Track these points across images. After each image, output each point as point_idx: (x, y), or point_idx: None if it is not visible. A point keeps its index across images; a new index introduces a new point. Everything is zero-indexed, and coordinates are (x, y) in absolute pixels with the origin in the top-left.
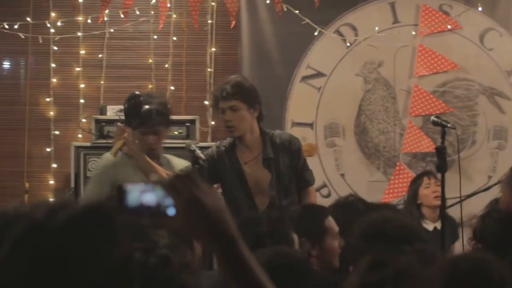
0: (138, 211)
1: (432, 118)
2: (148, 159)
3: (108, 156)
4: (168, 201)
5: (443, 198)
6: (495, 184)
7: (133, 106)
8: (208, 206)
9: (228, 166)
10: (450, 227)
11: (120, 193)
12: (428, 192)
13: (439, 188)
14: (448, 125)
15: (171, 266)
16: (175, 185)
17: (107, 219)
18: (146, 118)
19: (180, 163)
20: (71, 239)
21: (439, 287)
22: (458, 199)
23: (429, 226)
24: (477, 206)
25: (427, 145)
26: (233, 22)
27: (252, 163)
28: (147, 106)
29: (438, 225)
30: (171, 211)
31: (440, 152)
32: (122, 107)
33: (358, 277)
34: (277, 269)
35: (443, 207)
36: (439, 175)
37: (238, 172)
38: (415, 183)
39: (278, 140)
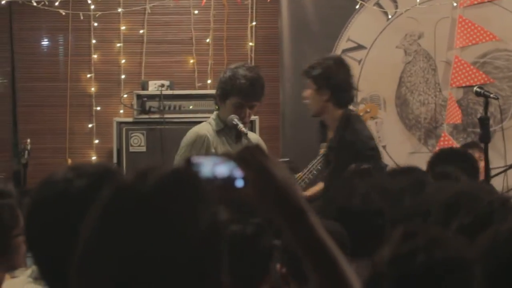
0: (209, 183)
1: (475, 88)
2: None
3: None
4: (238, 173)
5: (487, 168)
6: None
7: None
8: (278, 178)
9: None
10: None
11: (190, 166)
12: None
13: (482, 163)
14: (491, 95)
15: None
16: (245, 157)
17: (195, 182)
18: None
19: (254, 137)
20: (162, 202)
21: (481, 256)
22: (501, 169)
23: None
24: None
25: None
26: None
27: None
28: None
29: None
30: (240, 183)
31: (484, 122)
32: (163, 82)
33: (389, 250)
34: None
35: (487, 176)
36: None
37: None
38: None
39: (348, 136)
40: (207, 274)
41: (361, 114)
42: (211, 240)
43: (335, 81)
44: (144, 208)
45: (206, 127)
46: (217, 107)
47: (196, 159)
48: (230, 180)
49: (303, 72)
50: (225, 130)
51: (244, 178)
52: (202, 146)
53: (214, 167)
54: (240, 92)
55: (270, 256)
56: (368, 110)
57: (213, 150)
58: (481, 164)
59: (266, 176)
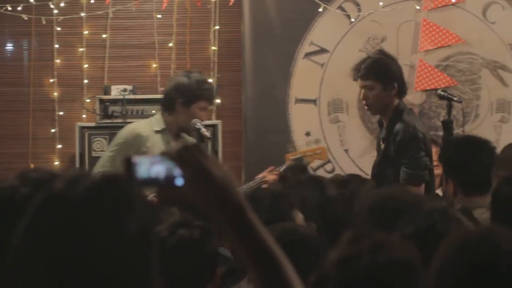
0: (147, 182)
1: (439, 92)
2: None
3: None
4: (177, 172)
5: None
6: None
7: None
8: (216, 176)
9: (377, 138)
10: None
11: (128, 165)
12: None
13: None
14: (455, 98)
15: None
16: (183, 156)
17: (125, 189)
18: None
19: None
20: (91, 209)
21: (447, 261)
22: None
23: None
24: None
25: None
26: (232, 0)
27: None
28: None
29: (439, 192)
30: (179, 182)
31: (447, 125)
32: (125, 86)
33: (335, 252)
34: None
35: None
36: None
37: (378, 145)
38: None
39: (396, 127)
40: (138, 280)
41: (309, 154)
42: (141, 247)
43: (398, 73)
44: (72, 215)
45: (144, 126)
46: (166, 110)
47: (135, 159)
48: (169, 179)
49: (357, 75)
50: (165, 131)
51: (183, 177)
52: (135, 143)
53: (152, 167)
54: (208, 97)
55: (216, 259)
56: (318, 151)
57: (145, 150)
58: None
59: (205, 175)
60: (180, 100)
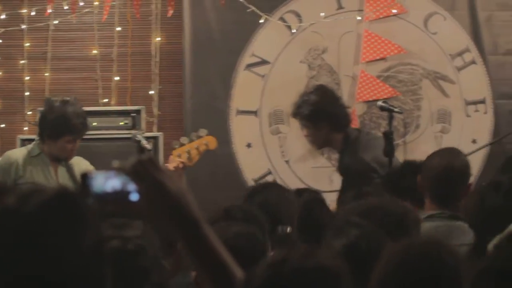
0: (103, 197)
1: (380, 103)
2: None
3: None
4: (132, 186)
5: None
6: None
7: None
8: (170, 190)
9: None
10: None
11: (84, 180)
12: None
13: None
14: (396, 109)
15: (146, 256)
16: (138, 171)
17: (78, 204)
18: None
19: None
20: (44, 224)
21: (390, 273)
22: None
23: None
24: None
25: None
26: (170, 11)
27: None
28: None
29: None
30: (134, 196)
31: (388, 136)
32: (67, 98)
33: (268, 259)
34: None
35: None
36: None
37: None
38: None
39: (344, 161)
40: None
41: (195, 147)
42: (93, 261)
43: (328, 111)
44: (24, 230)
45: (20, 152)
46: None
47: (91, 174)
48: (123, 193)
49: (293, 115)
50: (42, 156)
51: (138, 191)
52: (11, 169)
53: (107, 182)
54: (75, 132)
55: (148, 274)
56: (205, 142)
57: (21, 174)
58: None
59: (159, 189)
60: (47, 133)
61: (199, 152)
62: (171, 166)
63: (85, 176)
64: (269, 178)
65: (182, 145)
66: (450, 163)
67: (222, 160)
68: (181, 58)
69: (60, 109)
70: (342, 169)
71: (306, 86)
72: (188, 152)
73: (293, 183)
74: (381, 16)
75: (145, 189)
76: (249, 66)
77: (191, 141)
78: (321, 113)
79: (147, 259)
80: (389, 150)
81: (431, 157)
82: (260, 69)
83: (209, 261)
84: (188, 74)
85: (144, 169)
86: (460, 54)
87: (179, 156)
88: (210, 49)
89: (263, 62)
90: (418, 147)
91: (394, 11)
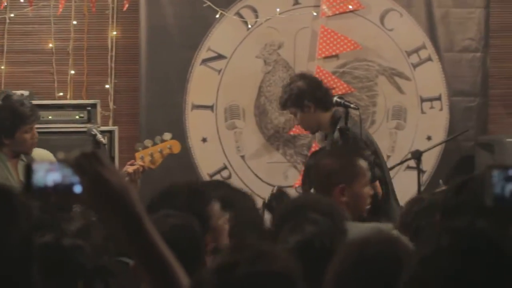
0: (45, 190)
1: (335, 98)
2: None
3: None
4: (75, 179)
5: None
6: (398, 164)
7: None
8: (113, 184)
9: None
10: None
11: (27, 172)
12: None
13: None
14: (351, 105)
15: (82, 252)
16: (81, 163)
17: (7, 200)
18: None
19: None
20: None
21: (346, 270)
22: None
23: None
24: None
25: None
26: (126, 5)
27: None
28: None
29: None
30: (77, 189)
31: (344, 132)
32: (22, 91)
33: (216, 260)
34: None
35: None
36: None
37: None
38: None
39: (334, 136)
40: None
41: (158, 150)
42: (22, 258)
43: (309, 91)
44: None
45: None
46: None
47: (34, 166)
48: (67, 186)
49: (281, 107)
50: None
51: (81, 184)
52: None
53: (50, 174)
54: (30, 118)
55: (82, 270)
56: (169, 146)
57: None
58: None
59: (102, 183)
60: (2, 132)
61: (162, 156)
62: (130, 169)
63: (28, 168)
64: (224, 173)
65: (145, 147)
66: (319, 166)
67: (177, 155)
68: (137, 53)
69: (3, 105)
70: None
71: (262, 81)
72: (151, 155)
73: (248, 178)
74: (337, 12)
75: (88, 182)
76: (205, 61)
77: (154, 144)
78: (303, 94)
79: (82, 255)
80: (345, 145)
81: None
82: (216, 64)
83: (150, 257)
84: (144, 68)
85: (87, 163)
86: (416, 51)
87: (142, 158)
88: (166, 43)
89: (219, 57)
90: None
91: (351, 7)
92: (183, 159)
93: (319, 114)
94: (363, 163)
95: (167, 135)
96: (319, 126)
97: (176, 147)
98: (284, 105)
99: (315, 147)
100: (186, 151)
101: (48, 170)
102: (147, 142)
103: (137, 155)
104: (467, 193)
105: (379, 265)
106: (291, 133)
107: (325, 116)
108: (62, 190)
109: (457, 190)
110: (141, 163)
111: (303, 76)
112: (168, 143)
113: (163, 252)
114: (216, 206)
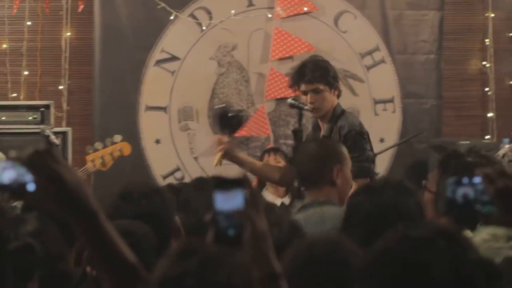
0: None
1: (289, 100)
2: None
3: None
4: (28, 177)
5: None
6: None
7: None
8: (67, 181)
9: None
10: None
11: None
12: None
13: (278, 165)
14: (305, 107)
15: (34, 253)
16: (35, 162)
17: None
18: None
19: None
20: None
21: (294, 271)
22: None
23: (277, 201)
24: None
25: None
26: (81, 6)
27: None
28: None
29: (286, 200)
30: (31, 187)
31: (297, 134)
32: None
33: (161, 269)
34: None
35: (299, 187)
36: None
37: None
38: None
39: (339, 123)
40: None
41: (109, 152)
42: None
43: (336, 74)
44: None
45: None
46: None
47: None
48: (21, 184)
49: (308, 79)
50: None
51: (35, 182)
52: None
53: (4, 172)
54: None
55: (31, 273)
56: (119, 148)
57: None
58: (281, 165)
59: (56, 180)
60: None
61: (113, 158)
62: None
63: None
64: (178, 175)
65: (96, 150)
66: (306, 150)
67: (130, 156)
68: (91, 54)
69: None
70: (336, 132)
71: (215, 83)
72: (102, 158)
73: None
74: (291, 14)
75: (42, 180)
76: (159, 62)
77: (105, 146)
78: (335, 75)
79: (32, 258)
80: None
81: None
82: (170, 65)
83: (107, 253)
84: (98, 69)
85: (41, 160)
86: (369, 53)
87: (93, 161)
88: (120, 44)
89: (173, 58)
90: None
91: (305, 9)
92: (136, 161)
93: (335, 100)
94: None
95: (117, 137)
96: (328, 111)
97: (127, 149)
98: (313, 78)
99: (269, 145)
100: (139, 152)
101: (3, 169)
102: (98, 145)
103: (88, 158)
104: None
105: (327, 266)
106: (244, 134)
107: (334, 103)
108: (15, 188)
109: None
110: (90, 166)
111: (325, 61)
112: (119, 145)
113: (120, 247)
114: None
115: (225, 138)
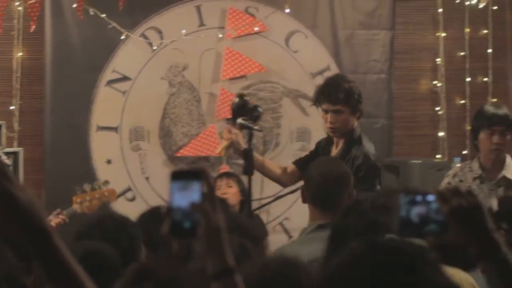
0: None
1: (239, 121)
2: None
3: None
4: None
5: (249, 199)
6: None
7: (242, 104)
8: (21, 200)
9: (321, 154)
10: (259, 226)
11: None
12: (218, 194)
13: (229, 190)
14: (255, 127)
15: None
16: None
17: None
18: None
19: None
20: None
21: None
22: (264, 200)
23: None
24: (282, 207)
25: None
26: (33, 26)
27: None
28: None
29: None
30: None
31: (247, 154)
32: None
33: None
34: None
35: (249, 208)
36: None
37: None
38: None
39: (354, 151)
40: None
41: (96, 196)
42: None
43: (361, 96)
44: None
45: None
46: None
47: None
48: None
49: (333, 101)
50: None
51: None
52: None
53: None
54: None
55: None
56: (107, 193)
57: None
58: (232, 190)
59: (9, 199)
60: None
61: (100, 202)
62: (53, 222)
63: None
64: (129, 195)
65: (84, 191)
66: (328, 170)
67: (81, 176)
68: (43, 74)
69: None
70: (349, 160)
71: (167, 103)
72: (90, 201)
73: (152, 200)
74: (242, 34)
75: None
76: (110, 82)
77: (93, 189)
78: (359, 97)
79: None
80: (249, 168)
81: (311, 167)
82: (121, 85)
83: (61, 273)
84: (49, 89)
85: None
86: (321, 72)
87: (80, 203)
88: (71, 64)
89: (124, 78)
90: None
91: (256, 29)
92: (88, 180)
93: (355, 122)
94: None
95: (106, 182)
96: (346, 133)
97: (113, 196)
98: (337, 99)
99: (224, 168)
100: (90, 172)
101: None
102: (86, 187)
103: (75, 199)
104: (355, 215)
105: (278, 287)
106: (194, 154)
107: (353, 125)
108: None
109: (345, 212)
110: (77, 207)
111: (351, 79)
112: (106, 191)
113: (73, 268)
114: None
115: (236, 130)
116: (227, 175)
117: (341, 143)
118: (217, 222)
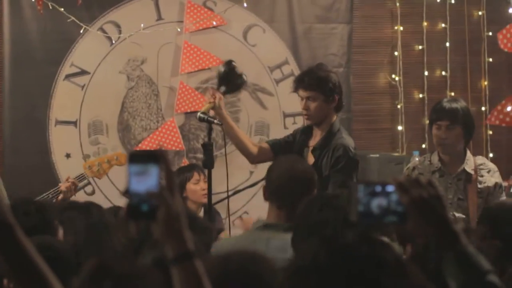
0: None
1: (199, 114)
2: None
3: None
4: None
5: (210, 193)
6: (261, 180)
7: (227, 72)
8: None
9: (298, 143)
10: (217, 221)
11: None
12: (198, 188)
13: (207, 185)
14: (215, 121)
15: None
16: None
17: None
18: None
19: None
20: None
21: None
22: (223, 194)
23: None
24: (241, 201)
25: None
26: None
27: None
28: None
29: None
30: None
31: (207, 148)
32: None
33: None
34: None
35: (210, 202)
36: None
37: (299, 151)
38: (183, 175)
39: (334, 142)
40: None
41: (105, 161)
42: None
43: (338, 86)
44: None
45: None
46: None
47: None
48: None
49: (305, 86)
50: None
51: None
52: None
53: None
54: None
55: None
56: (116, 157)
57: None
58: (203, 185)
59: None
60: None
61: (110, 166)
62: (63, 186)
63: None
64: (88, 189)
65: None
66: (290, 169)
67: (40, 170)
68: (1, 68)
69: None
70: (328, 150)
71: (125, 96)
72: (99, 165)
73: (111, 193)
74: (201, 28)
75: None
76: (69, 76)
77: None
78: (337, 88)
79: None
80: (208, 161)
81: (274, 164)
82: (80, 80)
83: (23, 266)
84: (8, 84)
85: None
86: (279, 66)
87: (90, 168)
88: (30, 59)
89: (83, 72)
90: (236, 159)
91: (214, 23)
92: (46, 175)
93: (331, 113)
94: None
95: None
96: (321, 123)
97: (123, 159)
98: (310, 85)
99: (184, 162)
100: (49, 166)
101: None
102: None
103: (85, 165)
104: (328, 209)
105: (241, 281)
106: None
107: (332, 119)
108: None
109: (320, 206)
110: (88, 172)
111: (331, 70)
112: (115, 154)
113: (36, 261)
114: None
115: (219, 95)
116: (197, 169)
117: (319, 135)
118: (176, 207)
